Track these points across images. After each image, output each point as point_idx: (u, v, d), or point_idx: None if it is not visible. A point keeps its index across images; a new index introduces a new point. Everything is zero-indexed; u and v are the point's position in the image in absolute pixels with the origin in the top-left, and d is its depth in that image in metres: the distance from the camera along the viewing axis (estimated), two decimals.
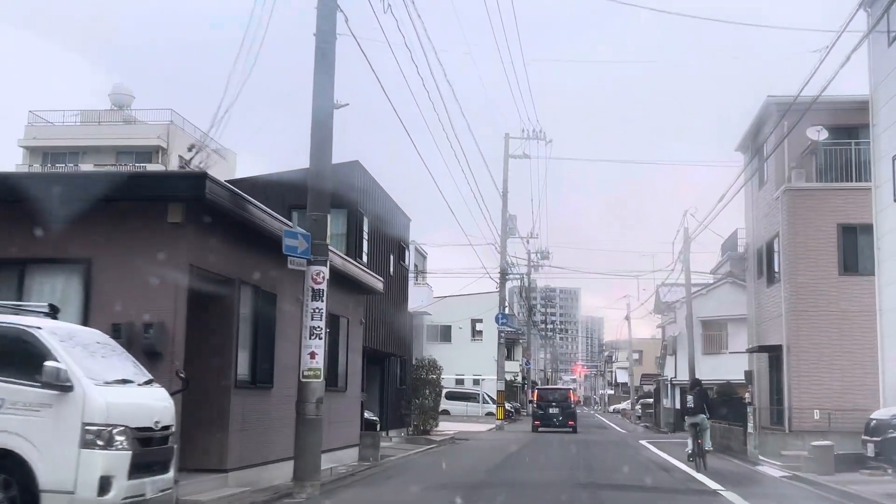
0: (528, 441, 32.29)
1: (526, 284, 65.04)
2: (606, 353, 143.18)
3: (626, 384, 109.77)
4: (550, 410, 39.86)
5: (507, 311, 44.56)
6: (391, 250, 28.59)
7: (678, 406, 43.52)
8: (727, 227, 60.66)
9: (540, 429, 38.72)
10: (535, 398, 42.21)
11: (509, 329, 78.48)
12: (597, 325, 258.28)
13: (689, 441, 20.78)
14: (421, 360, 32.79)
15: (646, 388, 75.69)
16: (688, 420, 20.98)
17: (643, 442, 32.58)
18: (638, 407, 63.92)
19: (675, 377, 43.34)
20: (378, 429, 27.19)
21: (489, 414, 55.79)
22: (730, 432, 27.37)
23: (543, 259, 73.70)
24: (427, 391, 32.16)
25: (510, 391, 64.42)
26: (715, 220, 57.26)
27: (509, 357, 74.80)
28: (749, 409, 25.18)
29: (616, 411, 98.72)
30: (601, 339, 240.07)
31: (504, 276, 43.67)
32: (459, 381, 60.82)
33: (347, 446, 20.20)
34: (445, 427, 42.11)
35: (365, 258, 23.59)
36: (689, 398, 21.58)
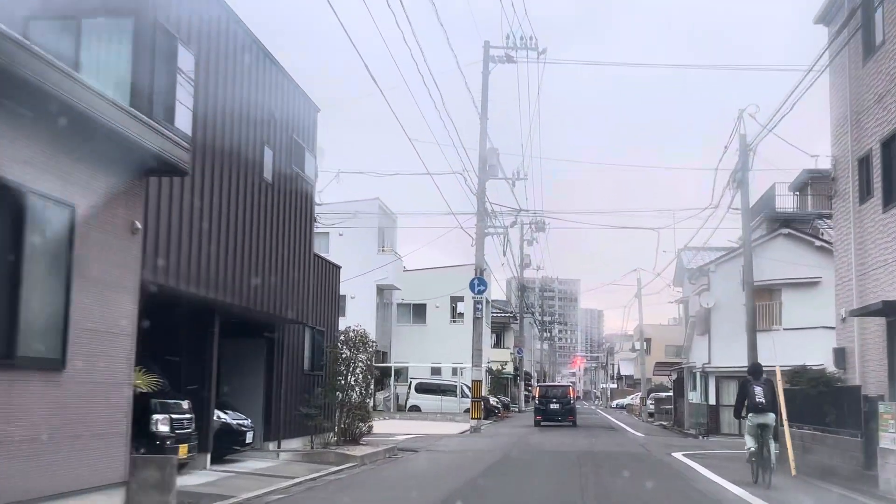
0: (509, 454, 21.19)
1: (514, 244, 53.91)
2: (607, 344, 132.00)
3: (630, 376, 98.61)
4: (552, 406, 40.30)
5: (484, 275, 33.33)
6: (273, 143, 17.09)
7: (712, 400, 32.39)
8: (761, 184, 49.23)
9: (542, 423, 39.24)
10: (537, 394, 43.04)
11: (497, 311, 67.41)
12: (596, 318, 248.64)
13: (751, 439, 15.22)
14: (346, 333, 21.58)
15: (657, 379, 64.61)
16: (753, 420, 15.12)
17: (678, 455, 21.42)
18: (650, 402, 52.80)
19: (710, 363, 32.26)
20: (248, 441, 16.02)
21: (469, 411, 44.57)
22: (836, 445, 16.19)
23: (539, 231, 62.72)
24: (351, 379, 20.96)
25: (498, 384, 53.20)
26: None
27: (498, 344, 63.60)
28: (885, 408, 14.01)
29: (620, 407, 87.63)
30: (601, 331, 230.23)
31: (482, 223, 32.45)
32: (436, 371, 49.65)
33: (82, 491, 9.06)
34: (398, 428, 31.16)
35: (179, 121, 12.14)
36: (757, 390, 15.20)
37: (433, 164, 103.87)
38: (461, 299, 52.50)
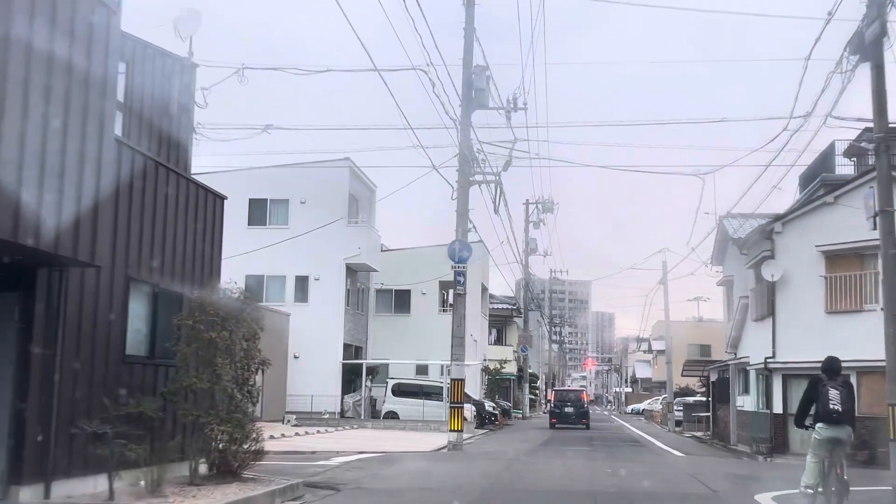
0: (483, 498, 12.49)
1: (518, 224, 45.30)
2: (620, 347, 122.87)
3: (648, 379, 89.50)
4: (566, 409, 41.42)
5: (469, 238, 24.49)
6: None
7: (777, 408, 23.49)
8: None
9: (557, 426, 40.17)
10: (553, 398, 44.46)
11: (496, 302, 58.62)
12: (607, 321, 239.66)
13: (813, 465, 11.32)
14: (219, 296, 12.78)
15: (682, 381, 55.69)
16: (824, 432, 11.04)
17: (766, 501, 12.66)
18: (677, 409, 43.93)
19: (774, 357, 23.38)
20: None
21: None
22: None
23: (546, 212, 54.28)
24: (220, 369, 12.08)
25: (496, 386, 44.31)
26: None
27: (500, 341, 54.74)
28: None
29: (636, 412, 78.72)
30: (612, 335, 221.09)
31: (466, 166, 23.64)
32: (422, 370, 40.87)
33: None
34: (352, 443, 22.81)
35: None
36: (833, 393, 11.11)
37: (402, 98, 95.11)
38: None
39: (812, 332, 22.69)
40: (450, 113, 22.24)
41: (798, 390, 22.87)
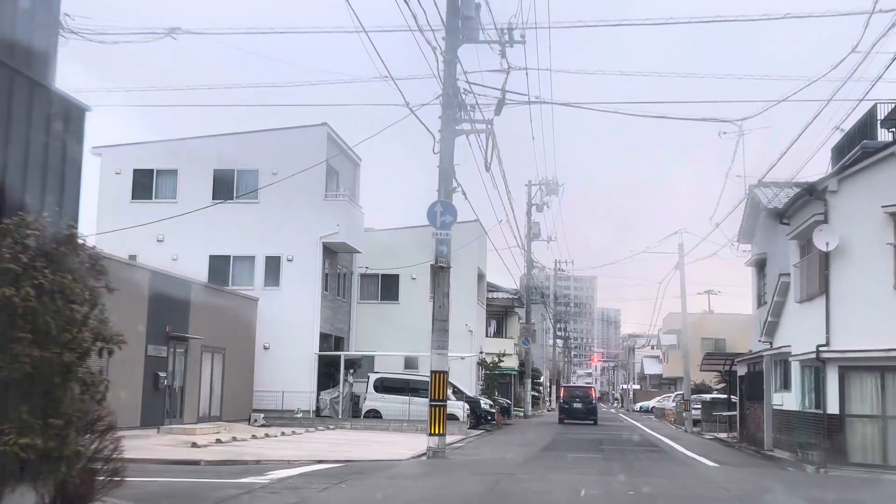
0: None
1: (520, 206, 40.96)
2: (626, 343, 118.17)
3: (658, 375, 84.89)
4: (575, 405, 41.89)
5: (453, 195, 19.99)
6: None
7: (832, 408, 18.93)
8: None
9: (566, 421, 40.53)
10: (563, 395, 44.99)
11: (494, 290, 54.11)
12: (613, 317, 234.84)
13: None
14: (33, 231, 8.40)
15: (699, 377, 51.19)
16: None
17: None
18: (695, 407, 39.40)
19: (828, 345, 18.84)
20: None
21: (452, 418, 31.41)
22: None
23: (551, 193, 50.29)
24: (20, 348, 7.68)
25: (493, 381, 39.86)
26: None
27: (500, 333, 50.24)
28: None
29: (645, 410, 74.22)
30: (618, 331, 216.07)
31: (449, 109, 19.14)
32: (411, 364, 36.39)
33: None
34: (312, 449, 18.67)
35: None
36: None
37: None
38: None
39: (877, 314, 18.19)
40: (432, 43, 17.73)
41: (858, 386, 18.41)
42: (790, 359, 22.06)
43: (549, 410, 72.67)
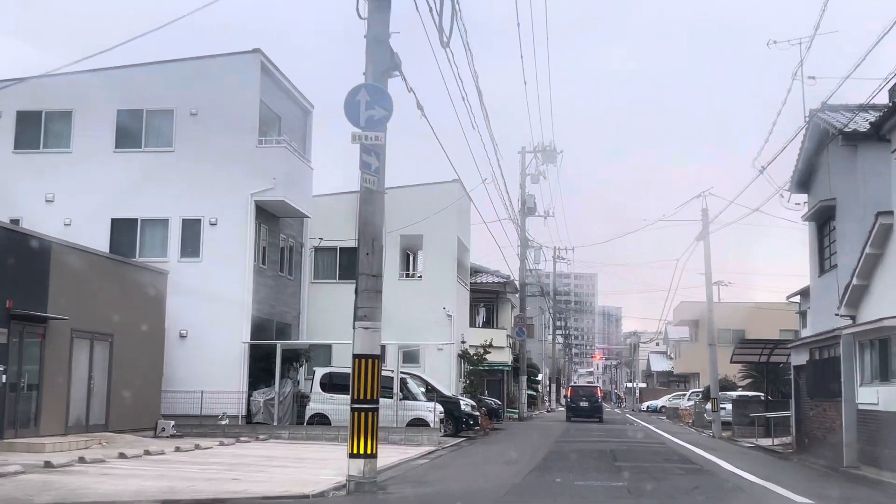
0: None
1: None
2: (630, 340, 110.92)
3: (669, 372, 77.64)
4: (581, 404, 42.74)
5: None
6: None
7: None
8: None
9: (573, 419, 41.22)
10: (570, 394, 46.37)
11: (479, 270, 46.72)
12: (615, 315, 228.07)
13: None
14: None
15: (722, 372, 43.99)
16: None
17: None
18: (725, 407, 32.24)
19: None
20: None
21: (418, 422, 24.33)
22: None
23: (548, 162, 44.05)
24: None
25: (479, 378, 32.62)
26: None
27: (490, 323, 43.10)
28: None
29: (653, 410, 67.07)
30: (620, 329, 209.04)
31: None
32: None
33: None
34: (157, 481, 11.51)
35: None
36: None
37: None
38: (419, 241, 32.02)
39: None
40: None
41: None
42: (893, 336, 14.84)
43: (548, 411, 65.38)
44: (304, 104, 29.33)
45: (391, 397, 23.78)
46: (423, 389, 26.91)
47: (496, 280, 43.71)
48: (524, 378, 43.79)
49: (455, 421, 27.03)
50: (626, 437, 28.73)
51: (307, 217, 27.66)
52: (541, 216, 44.70)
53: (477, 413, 27.99)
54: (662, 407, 65.69)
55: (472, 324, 41.81)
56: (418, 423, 23.91)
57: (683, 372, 66.81)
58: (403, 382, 24.71)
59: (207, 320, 24.36)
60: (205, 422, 23.70)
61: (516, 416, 42.57)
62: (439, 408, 24.74)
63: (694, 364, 60.07)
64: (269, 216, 26.57)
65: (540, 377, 65.92)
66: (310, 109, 29.80)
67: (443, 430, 24.64)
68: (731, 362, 33.43)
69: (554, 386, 78.08)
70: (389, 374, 24.69)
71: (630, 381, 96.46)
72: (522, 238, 43.47)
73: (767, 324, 49.49)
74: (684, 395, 59.62)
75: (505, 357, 42.62)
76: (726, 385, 41.74)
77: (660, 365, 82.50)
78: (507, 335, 43.22)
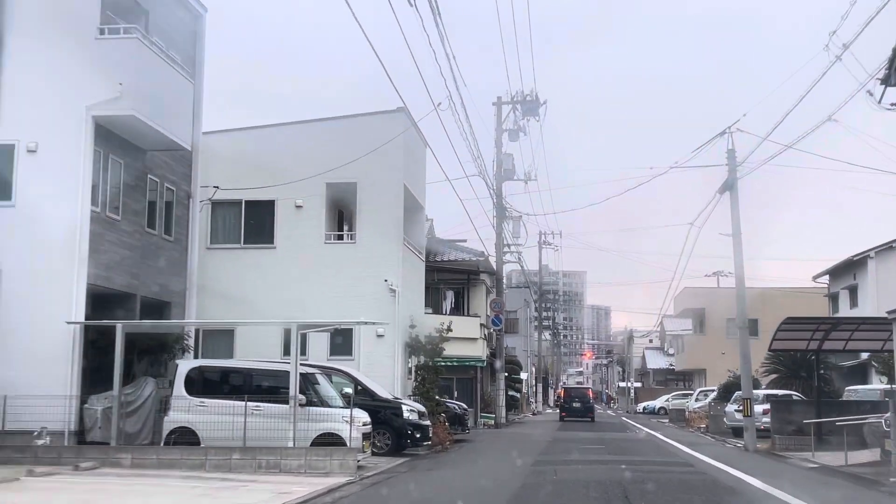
0: None
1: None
2: (622, 337, 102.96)
3: (670, 369, 69.68)
4: (574, 404, 43.73)
5: None
6: None
7: None
8: None
9: (566, 419, 42.09)
10: (563, 395, 47.63)
11: (455, 247, 38.27)
12: (603, 315, 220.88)
13: None
14: None
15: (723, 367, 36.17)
16: None
17: None
18: (762, 410, 24.35)
19: None
20: None
21: (331, 439, 16.09)
22: None
23: (528, 114, 36.06)
24: None
25: (434, 375, 24.40)
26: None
27: (460, 309, 35.20)
28: None
29: (650, 411, 59.24)
30: (609, 327, 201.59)
31: None
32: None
33: None
34: None
35: None
36: None
37: None
38: (353, 191, 23.82)
39: None
40: None
41: None
42: None
43: (534, 414, 57.34)
44: (191, 2, 21.24)
45: (286, 401, 15.71)
46: (352, 390, 18.93)
47: (467, 258, 35.66)
48: (502, 376, 35.76)
49: (396, 434, 19.04)
50: (632, 453, 20.79)
51: (182, 148, 19.45)
52: (520, 180, 36.75)
53: (427, 423, 19.91)
54: (660, 408, 57.92)
55: (439, 311, 33.80)
56: (327, 439, 15.86)
57: (686, 368, 58.92)
58: (309, 381, 16.60)
59: (20, 291, 16.32)
60: (10, 441, 15.64)
61: (492, 421, 34.55)
62: (363, 416, 16.68)
63: (699, 359, 52.23)
64: (127, 146, 18.45)
65: (525, 376, 57.83)
66: (201, 13, 21.71)
67: (368, 450, 16.61)
68: (770, 350, 25.48)
69: (540, 386, 70.04)
70: (284, 366, 16.62)
71: (623, 381, 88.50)
72: (499, 206, 35.49)
73: (786, 311, 41.44)
74: (689, 394, 51.76)
75: (478, 351, 34.59)
76: (736, 385, 33.79)
77: (656, 362, 74.68)
78: (482, 324, 35.17)
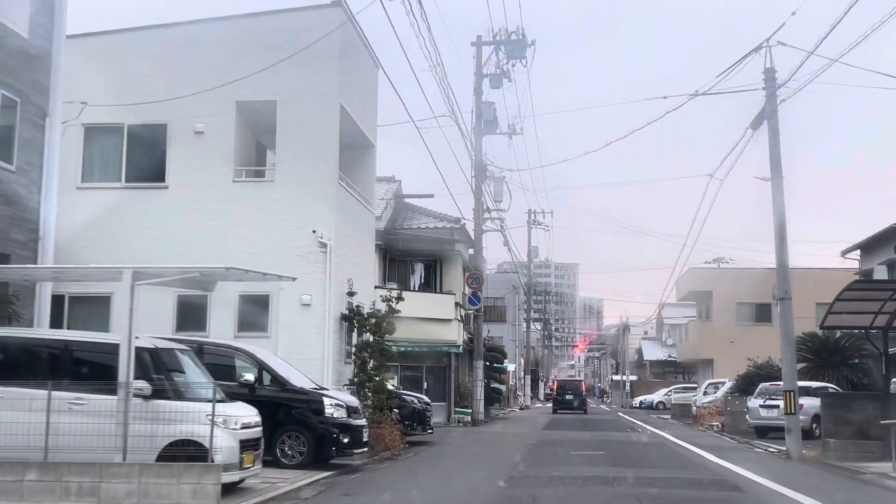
0: None
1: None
2: (618, 326, 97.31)
3: (671, 361, 63.99)
4: (567, 397, 43.48)
5: None
6: None
7: None
8: None
9: (559, 411, 41.59)
10: (555, 388, 49.04)
11: (427, 213, 32.17)
12: (595, 307, 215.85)
13: None
14: None
15: (731, 357, 30.82)
16: None
17: None
18: (814, 408, 18.74)
19: None
20: None
21: (189, 448, 10.19)
22: None
23: (513, 58, 30.18)
24: None
25: (381, 355, 18.47)
26: None
27: (430, 285, 29.61)
28: None
29: (647, 406, 53.77)
30: (602, 321, 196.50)
31: None
32: (196, 311, 15.55)
33: None
34: None
35: None
36: None
37: None
38: (271, 111, 17.91)
39: None
40: None
41: None
42: None
43: (521, 409, 51.69)
44: None
45: (113, 391, 10.00)
46: (253, 377, 13.29)
47: (440, 225, 29.95)
48: (480, 363, 30.07)
49: (315, 438, 13.35)
50: (642, 463, 15.17)
51: (16, 35, 13.61)
52: (504, 133, 31.05)
53: (360, 422, 14.18)
54: (660, 403, 52.44)
55: (407, 287, 28.07)
56: (190, 448, 10.12)
57: (690, 359, 53.27)
58: (161, 361, 10.88)
59: None
60: None
61: (468, 418, 28.88)
62: (246, 414, 10.95)
63: (706, 348, 46.62)
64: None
65: (512, 368, 52.11)
66: None
67: (255, 464, 10.88)
68: (822, 327, 19.75)
69: (529, 378, 64.34)
70: (112, 341, 10.82)
71: (617, 373, 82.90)
72: (478, 163, 29.75)
73: (810, 294, 35.73)
74: (693, 387, 46.25)
75: (452, 334, 28.90)
76: (770, 372, 28.22)
77: (654, 353, 69.14)
78: (457, 303, 29.45)
